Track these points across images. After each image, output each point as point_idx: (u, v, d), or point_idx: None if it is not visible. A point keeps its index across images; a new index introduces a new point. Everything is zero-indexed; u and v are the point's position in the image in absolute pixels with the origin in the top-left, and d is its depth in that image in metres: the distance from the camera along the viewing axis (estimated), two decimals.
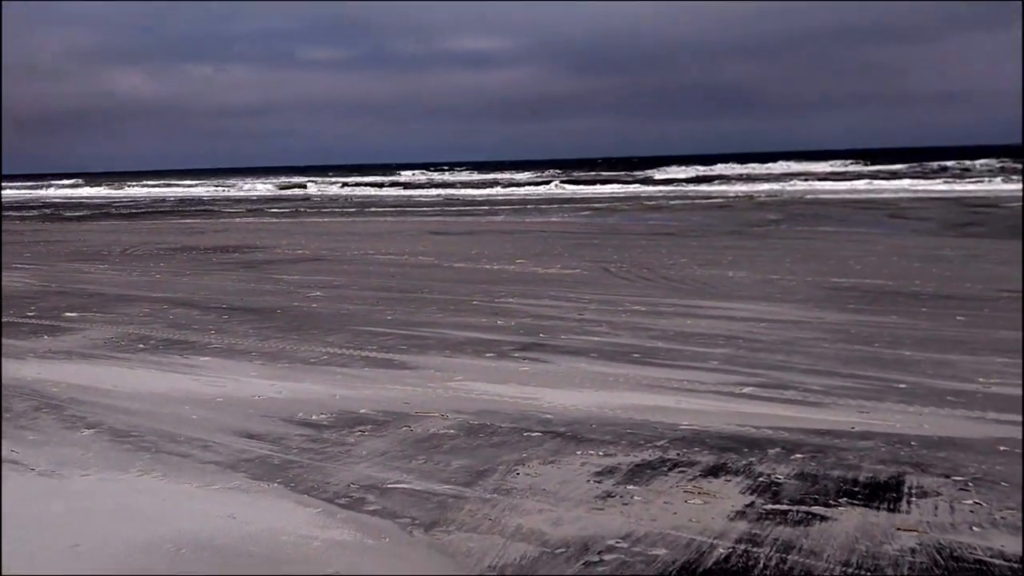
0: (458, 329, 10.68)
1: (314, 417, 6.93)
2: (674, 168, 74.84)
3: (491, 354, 9.19)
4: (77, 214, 45.69)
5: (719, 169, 70.69)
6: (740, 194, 43.42)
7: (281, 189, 71.25)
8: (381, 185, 69.62)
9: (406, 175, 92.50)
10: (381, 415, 6.94)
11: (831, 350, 9.15)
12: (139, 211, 47.44)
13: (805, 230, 24.40)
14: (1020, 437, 6.23)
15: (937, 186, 44.16)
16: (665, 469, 5.69)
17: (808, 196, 42.64)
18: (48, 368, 8.97)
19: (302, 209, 45.32)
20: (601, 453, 5.99)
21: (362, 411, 7.09)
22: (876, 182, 46.65)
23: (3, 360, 9.42)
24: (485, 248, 21.04)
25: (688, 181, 57.46)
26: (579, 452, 6.02)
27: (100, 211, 48.07)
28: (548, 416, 6.86)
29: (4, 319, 12.42)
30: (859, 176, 53.35)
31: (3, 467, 5.89)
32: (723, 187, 48.97)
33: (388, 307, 12.54)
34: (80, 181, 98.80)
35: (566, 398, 7.39)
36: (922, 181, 47.95)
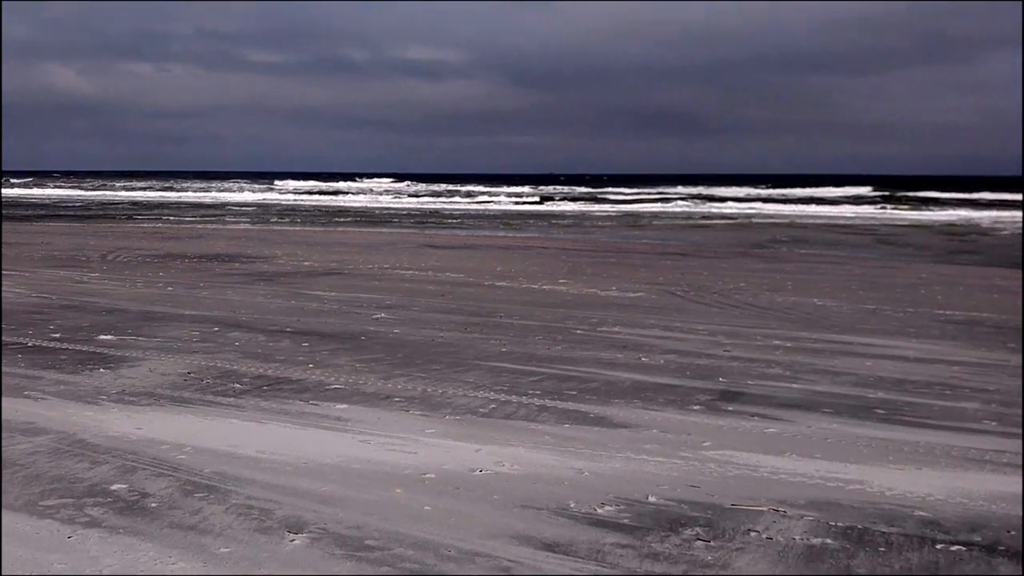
0: (607, 368, 8.63)
1: (600, 511, 4.83)
2: (625, 188, 73.39)
3: (697, 406, 7.16)
4: (23, 213, 41.87)
5: (677, 190, 69.07)
6: (705, 215, 42.05)
7: (234, 193, 67.36)
8: (335, 193, 66.36)
9: (361, 184, 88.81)
10: (684, 506, 4.84)
11: None
12: (93, 214, 43.76)
13: (819, 254, 22.92)
14: None
15: (873, 211, 43.63)
16: None
17: (772, 218, 41.59)
18: (141, 419, 6.62)
19: (268, 217, 42.36)
20: None
21: (651, 499, 5.01)
22: (826, 207, 46.02)
23: (71, 405, 7.03)
24: (507, 265, 18.94)
25: (646, 200, 55.93)
26: None
27: (49, 212, 44.22)
28: (916, 511, 4.83)
29: (20, 340, 9.88)
30: (808, 200, 52.76)
31: None
32: (684, 208, 47.54)
33: (485, 335, 10.39)
34: (16, 180, 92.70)
35: (897, 481, 5.37)
36: (861, 207, 47.45)
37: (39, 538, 4.35)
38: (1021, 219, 37.09)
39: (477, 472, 5.41)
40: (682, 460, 5.70)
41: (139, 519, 4.61)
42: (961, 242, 28.19)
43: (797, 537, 4.47)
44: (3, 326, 10.92)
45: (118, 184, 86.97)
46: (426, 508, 4.79)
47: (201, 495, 4.99)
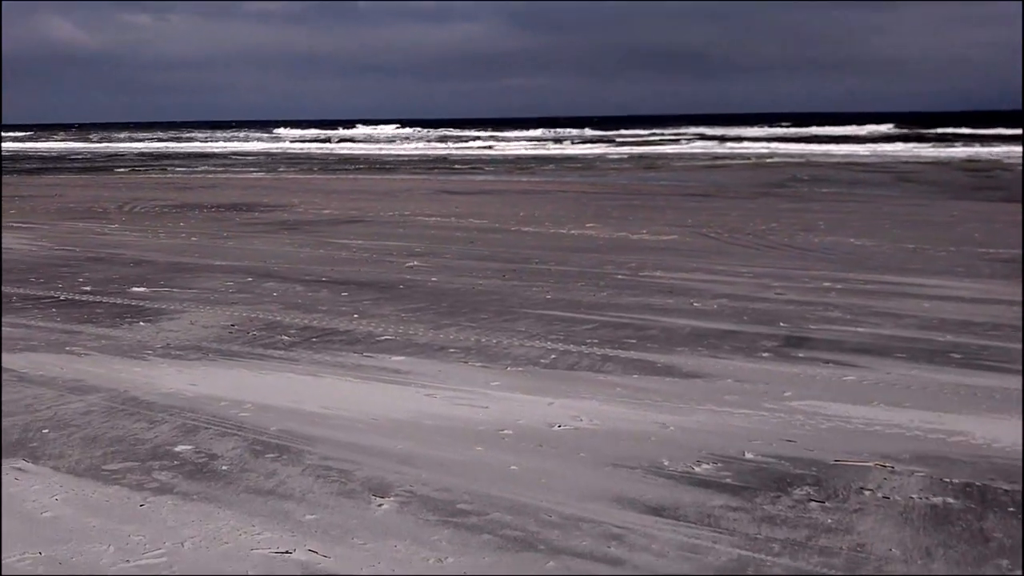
0: (661, 314, 8.29)
1: (698, 470, 4.52)
2: (638, 130, 72.29)
3: (765, 353, 6.82)
4: (30, 167, 41.32)
5: (692, 131, 67.70)
6: (721, 155, 41.24)
7: (241, 143, 66.42)
8: (342, 140, 65.37)
9: (368, 131, 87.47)
10: (784, 462, 4.49)
11: None
12: (101, 165, 43.21)
13: (842, 192, 22.41)
14: None
15: (888, 148, 42.82)
16: None
17: (789, 158, 40.91)
18: (192, 375, 6.30)
19: (277, 165, 41.81)
20: None
21: (748, 456, 4.69)
22: (841, 145, 45.10)
23: (116, 360, 6.71)
24: (529, 210, 18.50)
25: (660, 142, 54.91)
26: None
27: (56, 165, 43.65)
28: None
29: (52, 293, 9.55)
30: (818, 139, 51.85)
31: None
32: (699, 148, 46.53)
33: (525, 282, 10.04)
34: (18, 134, 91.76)
35: (1000, 431, 5.00)
36: (878, 144, 46.59)
37: (110, 507, 4.05)
38: (1022, 155, 36.40)
39: (556, 428, 5.10)
40: (768, 412, 5.38)
41: (212, 483, 4.31)
42: (985, 178, 27.62)
43: (915, 496, 4.16)
44: (31, 279, 10.59)
45: (121, 136, 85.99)
46: (512, 468, 4.48)
47: (272, 456, 4.68)
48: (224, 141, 68.43)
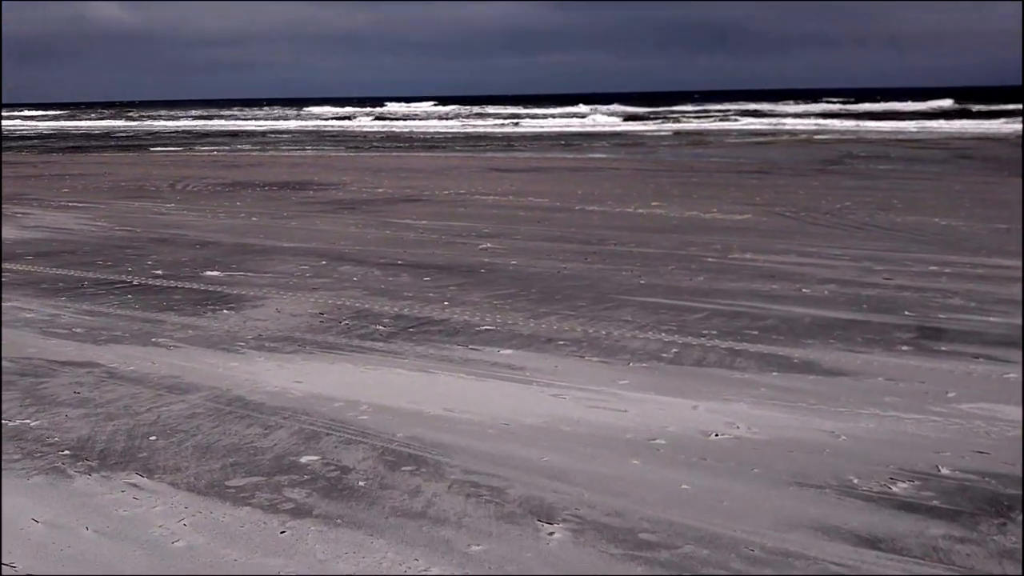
0: (771, 301, 7.69)
1: (895, 489, 3.94)
2: (682, 106, 70.98)
3: (904, 346, 6.22)
4: (75, 144, 41.08)
5: (738, 107, 66.15)
6: (765, 131, 40.17)
7: (274, 120, 65.91)
8: (382, 118, 64.58)
9: (403, 108, 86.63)
10: (990, 480, 3.86)
11: None
12: (145, 143, 42.94)
13: (903, 169, 21.57)
14: None
15: (945, 125, 41.44)
16: None
17: (835, 134, 39.85)
18: (294, 370, 5.79)
19: (320, 143, 41.34)
20: None
21: (944, 471, 4.11)
22: (887, 122, 43.85)
23: (209, 354, 6.23)
24: (587, 188, 17.86)
25: (703, 117, 53.73)
26: None
27: (101, 144, 43.38)
28: None
29: (123, 278, 9.10)
30: (866, 115, 50.53)
31: None
32: (742, 124, 45.41)
33: (610, 266, 9.46)
34: (67, 112, 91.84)
35: None
36: (925, 121, 45.21)
37: (246, 534, 3.55)
38: (1022, 131, 35.09)
39: (713, 437, 4.55)
40: (940, 417, 4.80)
41: (353, 503, 3.80)
42: None
43: None
44: (98, 262, 10.15)
45: (160, 113, 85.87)
46: (684, 487, 3.94)
47: (409, 468, 4.16)
48: (262, 119, 68.02)
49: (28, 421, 4.86)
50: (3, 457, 4.33)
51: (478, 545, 3.43)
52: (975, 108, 51.93)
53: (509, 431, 4.65)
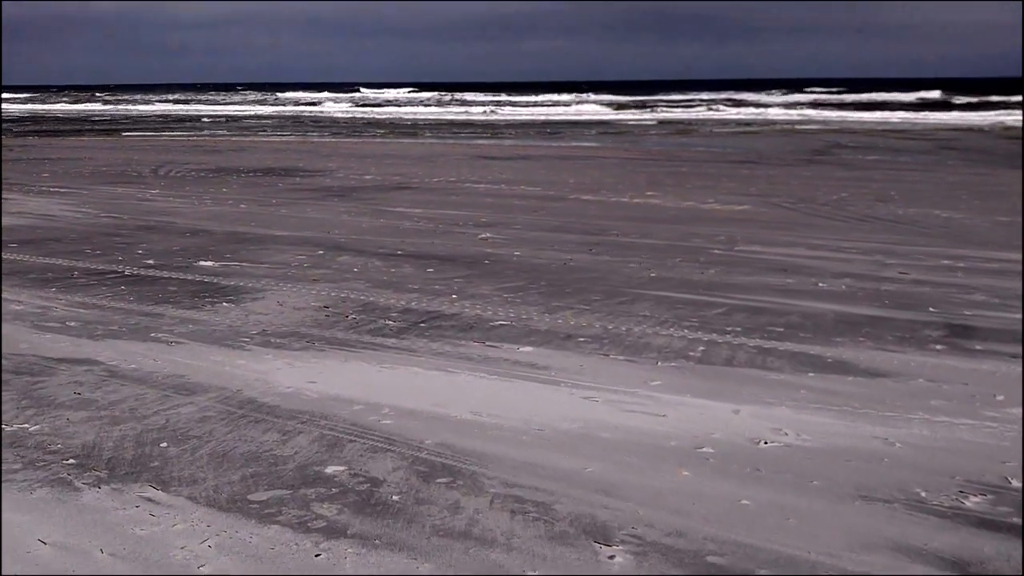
0: (790, 296, 7.41)
1: (969, 504, 3.64)
2: (664, 94, 70.64)
3: (937, 345, 5.95)
4: (51, 128, 40.16)
5: (716, 95, 65.76)
6: (750, 120, 39.79)
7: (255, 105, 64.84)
8: (363, 104, 63.76)
9: (382, 93, 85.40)
10: None
11: None
12: (123, 127, 42.08)
13: (891, 160, 21.40)
14: None
15: (927, 116, 41.29)
16: None
17: (819, 124, 39.66)
18: (306, 369, 5.44)
19: (302, 129, 40.71)
20: None
21: (1015, 484, 3.87)
22: (868, 113, 43.64)
23: (214, 351, 5.87)
24: (579, 177, 17.54)
25: (686, 106, 53.36)
26: None
27: (77, 127, 42.45)
28: None
29: (114, 267, 8.71)
30: (843, 105, 50.40)
31: None
32: (726, 114, 45.08)
33: (617, 258, 9.16)
34: (39, 95, 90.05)
35: None
36: (908, 112, 45.11)
37: (279, 558, 3.22)
38: (1022, 122, 35.17)
39: (762, 445, 4.26)
40: (995, 423, 4.54)
41: (390, 521, 3.48)
42: None
43: None
44: (86, 250, 9.72)
45: (138, 97, 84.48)
46: (744, 502, 3.65)
47: (444, 480, 3.85)
48: (239, 104, 67.05)
49: (27, 425, 4.50)
50: (3, 467, 3.98)
51: (534, 571, 3.12)
52: (957, 100, 51.97)
53: (544, 438, 4.34)
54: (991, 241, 10.13)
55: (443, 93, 77.72)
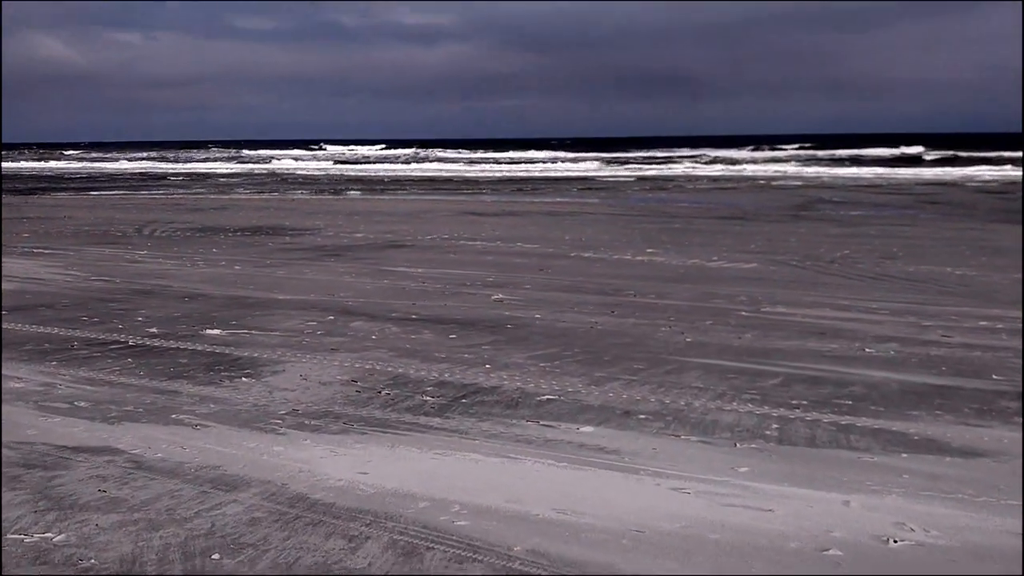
0: (841, 363, 6.95)
1: None
2: (637, 151, 70.87)
3: (1019, 418, 5.57)
4: (28, 187, 39.26)
5: (689, 152, 65.98)
6: (726, 176, 39.74)
7: (236, 164, 64.03)
8: (339, 162, 63.20)
9: (359, 150, 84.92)
10: None
11: None
12: (101, 185, 41.24)
13: (879, 215, 21.25)
14: None
15: (901, 172, 41.62)
16: None
17: (795, 179, 39.77)
18: (354, 457, 4.86)
19: (281, 187, 40.17)
20: None
21: None
22: (848, 169, 43.86)
23: (246, 435, 5.28)
24: (572, 234, 17.15)
25: (661, 162, 53.37)
26: None
27: (53, 185, 41.53)
28: None
29: (116, 337, 8.08)
30: (826, 161, 50.84)
31: None
32: (702, 170, 45.12)
33: (644, 320, 8.69)
34: (9, 152, 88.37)
35: None
36: (878, 168, 45.45)
37: None
38: (1022, 178, 35.67)
39: (892, 544, 3.77)
40: None
41: None
42: (1014, 201, 26.63)
43: None
44: (82, 317, 9.09)
45: (118, 156, 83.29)
46: None
47: None
48: (213, 162, 66.37)
49: (50, 535, 3.89)
50: None
51: None
52: (928, 156, 52.65)
53: (648, 542, 3.82)
54: (1017, 301, 9.82)
55: (418, 149, 77.66)
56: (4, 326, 8.55)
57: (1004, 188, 31.73)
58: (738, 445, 5.04)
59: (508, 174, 45.62)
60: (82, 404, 5.90)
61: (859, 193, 28.74)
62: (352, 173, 50.76)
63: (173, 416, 5.63)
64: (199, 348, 7.62)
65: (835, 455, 4.88)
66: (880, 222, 19.40)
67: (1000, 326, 8.38)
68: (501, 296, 10.23)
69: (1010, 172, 39.85)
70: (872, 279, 11.47)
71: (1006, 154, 46.86)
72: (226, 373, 6.73)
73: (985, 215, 21.18)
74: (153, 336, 8.13)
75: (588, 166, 51.32)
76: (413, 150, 76.07)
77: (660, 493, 4.33)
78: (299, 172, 52.53)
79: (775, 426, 5.38)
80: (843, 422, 5.45)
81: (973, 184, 33.80)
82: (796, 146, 68.32)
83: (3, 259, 13.69)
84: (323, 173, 51.32)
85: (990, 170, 40.23)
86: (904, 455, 4.86)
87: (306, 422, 5.50)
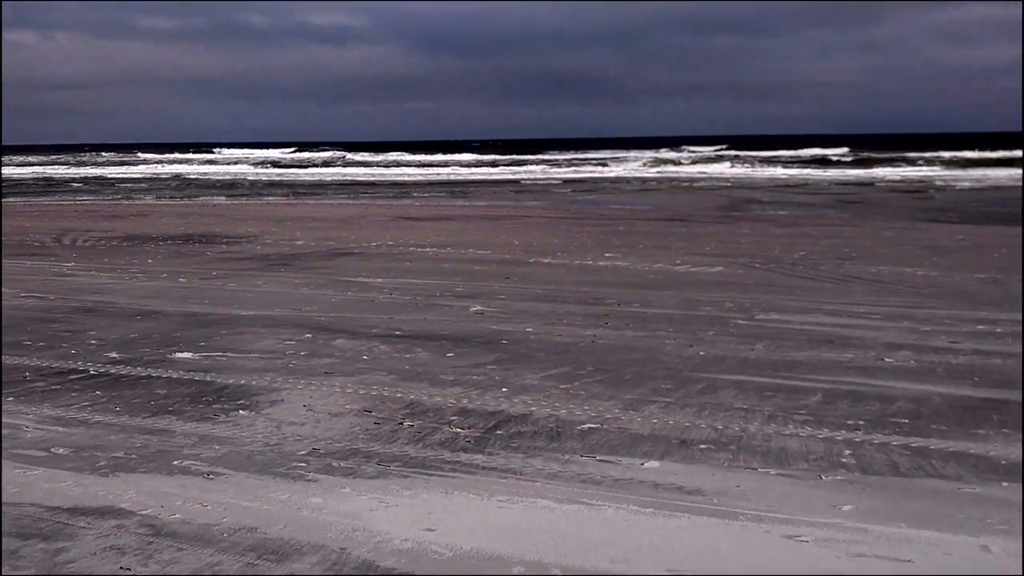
0: (874, 376, 6.54)
1: None
2: (549, 152, 70.60)
3: None
4: None
5: (630, 154, 65.85)
6: (649, 178, 39.76)
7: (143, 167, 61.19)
8: (257, 164, 61.13)
9: (280, 154, 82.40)
10: None
11: None
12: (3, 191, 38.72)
13: (813, 215, 21.33)
14: None
15: (815, 173, 42.42)
16: None
17: (716, 181, 40.08)
18: (406, 508, 4.17)
19: (199, 192, 38.43)
20: None
21: None
22: (769, 168, 44.56)
23: (272, 484, 4.53)
24: (522, 239, 16.56)
25: (588, 163, 53.30)
26: None
27: None
28: None
29: (73, 364, 7.14)
30: (738, 160, 51.46)
31: None
32: (618, 171, 45.16)
33: (642, 332, 8.17)
34: None
35: None
36: (792, 168, 46.26)
37: None
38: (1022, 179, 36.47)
39: None
40: None
41: None
42: (927, 199, 27.28)
43: None
44: (26, 341, 8.08)
45: (16, 159, 79.00)
46: None
47: None
48: (119, 166, 63.43)
49: None
50: None
51: None
52: (833, 156, 54.06)
53: None
54: (992, 303, 9.67)
55: (337, 153, 75.82)
56: None
57: (913, 188, 32.63)
58: (823, 477, 4.55)
59: (434, 177, 44.81)
60: (61, 451, 5.03)
61: (782, 193, 29.05)
62: (267, 178, 49.11)
63: (174, 462, 4.83)
64: (174, 376, 6.76)
65: (931, 486, 4.44)
66: (815, 222, 19.46)
67: (1000, 330, 8.17)
68: (480, 308, 9.59)
69: (910, 172, 41.15)
70: (841, 281, 11.25)
71: (909, 155, 48.52)
72: (217, 406, 5.93)
73: (905, 213, 21.54)
74: (115, 362, 7.21)
75: (513, 169, 50.91)
76: (330, 152, 74.37)
77: (775, 543, 3.80)
78: (210, 176, 50.55)
79: (847, 452, 4.91)
80: (914, 445, 5.03)
81: (884, 184, 34.70)
82: (709, 148, 69.43)
83: None
84: (234, 178, 49.50)
85: (894, 171, 41.42)
86: (1005, 484, 4.46)
87: (334, 464, 4.78)
